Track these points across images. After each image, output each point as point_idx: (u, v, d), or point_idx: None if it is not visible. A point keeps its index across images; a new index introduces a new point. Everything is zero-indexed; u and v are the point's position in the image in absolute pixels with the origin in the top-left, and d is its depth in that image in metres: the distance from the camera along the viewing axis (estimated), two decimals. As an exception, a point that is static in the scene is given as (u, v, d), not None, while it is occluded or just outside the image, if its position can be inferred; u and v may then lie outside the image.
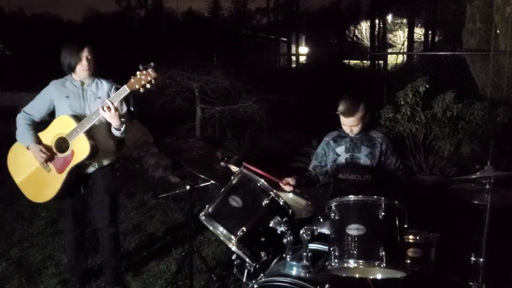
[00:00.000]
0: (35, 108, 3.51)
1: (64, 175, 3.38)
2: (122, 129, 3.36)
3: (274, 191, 2.55)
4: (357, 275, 2.47)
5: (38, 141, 3.42)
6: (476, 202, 2.88)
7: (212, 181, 3.31)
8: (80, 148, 3.31)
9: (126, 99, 3.40)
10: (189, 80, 8.48)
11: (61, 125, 3.36)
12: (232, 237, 2.46)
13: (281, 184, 3.24)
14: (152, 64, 3.13)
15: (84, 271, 3.85)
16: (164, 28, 29.42)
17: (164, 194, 5.32)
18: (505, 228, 3.81)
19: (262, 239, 2.53)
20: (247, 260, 2.55)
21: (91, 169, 3.53)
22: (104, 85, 3.49)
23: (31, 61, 16.30)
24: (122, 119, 3.34)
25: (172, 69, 8.45)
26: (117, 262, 3.81)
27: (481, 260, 2.87)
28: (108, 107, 3.20)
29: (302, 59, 25.14)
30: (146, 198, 6.03)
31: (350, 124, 3.32)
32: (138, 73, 3.14)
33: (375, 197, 2.40)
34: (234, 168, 3.20)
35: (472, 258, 2.91)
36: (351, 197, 2.43)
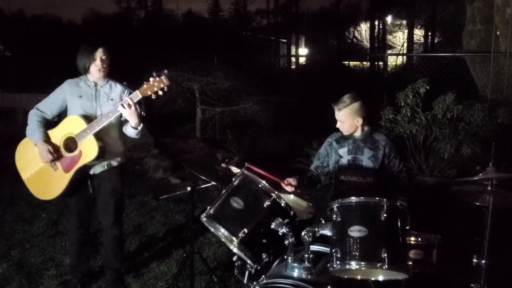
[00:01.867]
0: (48, 105, 3.52)
1: (70, 174, 3.39)
2: (140, 128, 3.35)
3: (276, 192, 2.55)
4: (359, 277, 2.47)
5: (47, 140, 3.43)
6: (477, 203, 2.88)
7: (213, 183, 3.30)
8: (89, 150, 3.31)
9: (139, 103, 3.41)
10: (189, 81, 8.48)
11: (71, 125, 3.38)
12: (234, 238, 2.46)
13: (282, 185, 3.24)
14: (165, 71, 3.14)
15: (85, 272, 3.85)
16: (164, 29, 29.45)
17: (165, 195, 5.32)
18: (507, 229, 3.81)
19: (264, 240, 2.53)
20: (249, 261, 2.55)
21: (98, 170, 3.52)
22: (118, 87, 3.49)
23: (31, 62, 16.32)
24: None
25: (172, 70, 8.44)
26: (119, 264, 3.80)
27: (483, 261, 2.87)
28: (129, 104, 3.20)
29: (302, 60, 25.15)
30: (147, 199, 6.02)
31: (338, 118, 3.35)
32: (151, 79, 3.14)
33: (377, 198, 2.40)
34: (235, 170, 3.20)
35: (474, 260, 2.91)
36: (353, 199, 2.42)
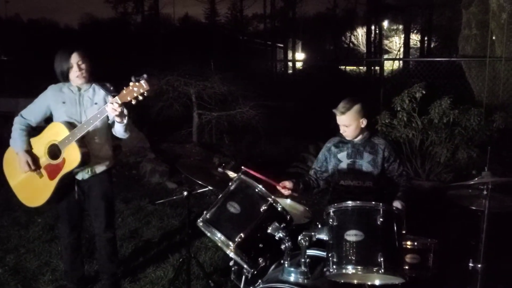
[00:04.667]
0: (32, 112, 3.50)
1: (55, 182, 3.36)
2: (125, 121, 3.27)
3: (272, 197, 2.55)
4: (355, 281, 2.47)
5: (29, 148, 3.42)
6: (473, 208, 2.89)
7: (209, 187, 3.30)
8: (72, 156, 3.28)
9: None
10: (186, 86, 8.47)
11: (54, 132, 3.35)
12: (230, 243, 2.46)
13: (278, 187, 3.23)
14: (145, 76, 3.01)
15: (81, 277, 3.83)
16: (160, 34, 29.48)
17: (161, 200, 5.30)
18: (503, 233, 3.81)
19: (260, 245, 2.53)
20: (245, 266, 2.55)
21: (86, 176, 3.50)
22: (101, 91, 3.42)
23: (28, 66, 16.29)
24: (125, 113, 3.26)
25: (169, 75, 8.45)
26: (114, 268, 3.78)
27: (479, 266, 2.88)
28: (114, 108, 3.11)
29: (299, 65, 25.20)
30: (143, 204, 6.01)
31: (342, 123, 3.32)
32: (130, 84, 3.02)
33: (373, 202, 2.41)
34: (232, 174, 3.20)
35: (470, 264, 2.92)
36: (349, 203, 2.43)
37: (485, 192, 2.78)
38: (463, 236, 4.14)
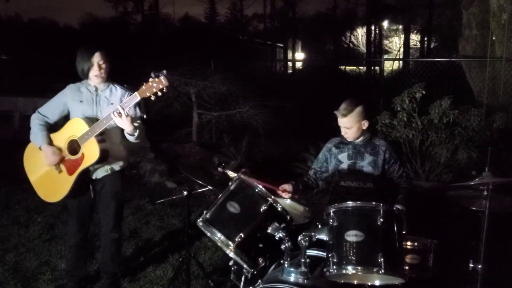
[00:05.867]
0: (49, 109, 3.52)
1: (74, 177, 3.38)
2: (136, 134, 3.32)
3: (272, 197, 2.55)
4: (355, 282, 2.47)
5: (50, 142, 3.44)
6: (474, 208, 2.88)
7: (209, 187, 3.30)
8: (91, 152, 3.30)
9: (138, 105, 3.41)
10: (186, 86, 8.47)
11: (74, 128, 3.37)
12: (230, 243, 2.46)
13: (278, 192, 3.23)
14: (164, 72, 3.09)
15: (82, 277, 3.83)
16: (160, 33, 29.48)
17: (161, 199, 5.29)
18: (503, 234, 3.81)
19: (260, 245, 2.53)
20: (245, 266, 2.55)
21: (100, 175, 3.52)
22: (118, 91, 3.48)
23: (28, 65, 16.31)
24: (136, 124, 3.31)
25: (169, 74, 8.42)
26: (116, 268, 3.78)
27: (479, 266, 2.87)
28: (119, 113, 3.18)
29: (299, 65, 25.19)
30: (143, 203, 6.01)
31: (344, 125, 3.32)
32: (150, 80, 3.10)
33: (374, 203, 2.41)
34: (231, 174, 3.20)
35: (471, 265, 2.91)
36: (350, 203, 2.43)
37: (485, 193, 2.78)
38: (464, 237, 4.14)
